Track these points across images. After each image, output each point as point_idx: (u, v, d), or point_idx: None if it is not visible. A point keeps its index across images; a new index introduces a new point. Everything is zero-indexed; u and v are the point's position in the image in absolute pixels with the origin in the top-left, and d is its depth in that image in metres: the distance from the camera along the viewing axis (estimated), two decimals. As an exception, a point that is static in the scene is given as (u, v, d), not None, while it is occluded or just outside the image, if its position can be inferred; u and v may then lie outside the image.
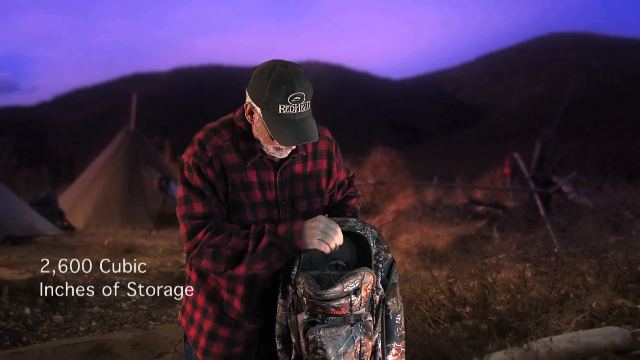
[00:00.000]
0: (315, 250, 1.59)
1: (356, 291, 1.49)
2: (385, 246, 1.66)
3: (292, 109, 1.53)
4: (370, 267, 1.58)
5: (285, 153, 1.66)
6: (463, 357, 3.15)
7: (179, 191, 1.68)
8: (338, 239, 1.56)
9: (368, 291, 1.53)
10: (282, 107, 1.53)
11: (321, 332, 1.47)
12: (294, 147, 1.65)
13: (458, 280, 4.18)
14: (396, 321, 1.62)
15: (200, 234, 1.60)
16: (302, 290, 1.53)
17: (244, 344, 1.71)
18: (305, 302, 1.53)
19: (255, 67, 1.63)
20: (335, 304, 1.49)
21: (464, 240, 7.34)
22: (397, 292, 1.65)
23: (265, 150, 1.65)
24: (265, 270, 1.59)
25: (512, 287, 4.18)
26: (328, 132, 1.81)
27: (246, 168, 1.65)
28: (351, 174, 1.94)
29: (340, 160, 1.85)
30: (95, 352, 3.55)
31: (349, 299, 1.49)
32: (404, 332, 1.65)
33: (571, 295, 3.98)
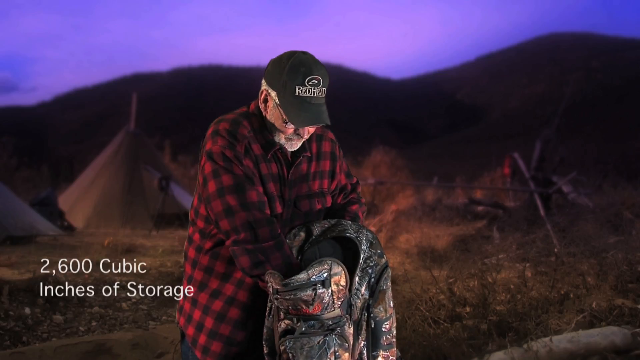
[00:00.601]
0: (307, 252, 1.59)
1: (324, 282, 1.45)
2: (380, 251, 1.62)
3: (309, 91, 1.55)
4: (354, 269, 1.55)
5: (295, 145, 1.66)
6: (463, 357, 3.15)
7: (217, 181, 1.58)
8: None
9: (340, 287, 1.48)
10: (299, 88, 1.55)
11: (291, 344, 1.44)
12: (305, 137, 1.65)
13: (458, 280, 4.18)
14: (383, 329, 1.58)
15: (261, 231, 1.55)
16: (270, 288, 1.49)
17: (242, 344, 1.70)
18: (277, 303, 1.49)
19: (272, 59, 1.66)
20: (303, 295, 1.43)
21: (464, 240, 7.34)
22: (386, 299, 1.60)
23: (278, 142, 1.65)
24: None
25: (512, 287, 4.18)
26: (331, 134, 1.82)
27: (268, 160, 1.66)
28: (355, 180, 1.93)
29: (342, 163, 1.85)
30: (95, 352, 3.55)
31: (316, 290, 1.44)
32: (394, 340, 1.60)
33: (571, 295, 3.98)
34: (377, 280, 1.59)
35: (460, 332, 3.48)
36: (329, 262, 1.46)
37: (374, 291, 1.58)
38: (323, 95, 1.58)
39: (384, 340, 1.58)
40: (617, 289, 4.12)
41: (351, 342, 1.49)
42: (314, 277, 1.44)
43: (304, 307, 1.45)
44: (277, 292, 1.47)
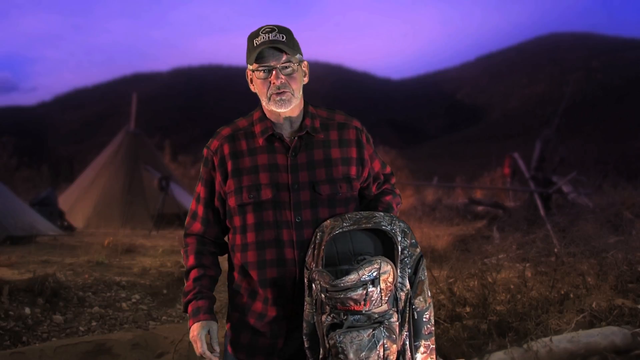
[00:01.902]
0: (342, 244, 1.60)
1: (374, 281, 1.47)
2: (414, 240, 1.63)
3: (263, 38, 1.64)
4: (396, 263, 1.57)
5: (283, 104, 1.67)
6: (463, 357, 3.15)
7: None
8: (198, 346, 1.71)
9: (388, 284, 1.50)
10: (255, 40, 1.65)
11: (341, 337, 1.47)
12: (278, 83, 1.66)
13: (458, 280, 4.18)
14: (424, 319, 1.60)
15: (188, 218, 1.85)
16: (318, 286, 1.52)
17: (270, 334, 1.72)
18: (324, 299, 1.51)
19: None
20: (353, 294, 1.46)
21: (464, 240, 7.34)
22: (425, 289, 1.62)
23: (269, 108, 1.70)
24: None
25: (512, 287, 4.18)
26: (358, 122, 1.83)
27: (257, 152, 1.73)
28: (388, 170, 1.93)
29: (373, 151, 1.86)
30: (95, 352, 3.55)
31: (366, 289, 1.47)
32: (433, 328, 1.63)
33: (571, 295, 3.98)
34: (415, 271, 1.61)
35: (460, 332, 3.48)
36: (379, 261, 1.49)
37: (413, 282, 1.60)
38: (283, 40, 1.64)
39: (425, 330, 1.60)
40: (617, 289, 4.11)
41: (397, 333, 1.52)
42: (364, 277, 1.47)
43: (353, 304, 1.48)
44: (326, 290, 1.50)
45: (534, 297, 3.92)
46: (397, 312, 1.54)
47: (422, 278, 1.62)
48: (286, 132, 1.73)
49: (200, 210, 1.81)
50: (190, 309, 1.74)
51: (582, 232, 5.63)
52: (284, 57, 1.65)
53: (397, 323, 1.53)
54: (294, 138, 1.71)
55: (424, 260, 1.65)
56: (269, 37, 1.64)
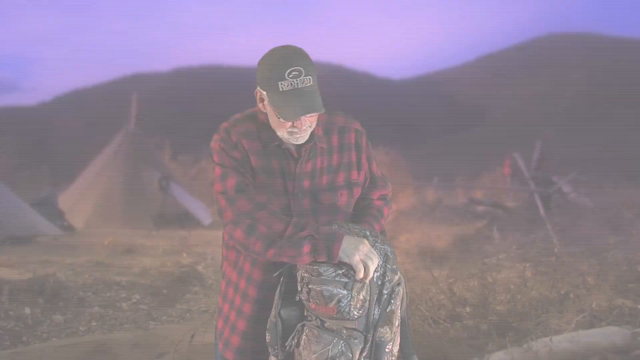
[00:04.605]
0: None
1: (346, 285, 1.48)
2: (394, 266, 1.59)
3: (291, 84, 1.56)
4: (371, 285, 1.55)
5: (301, 138, 1.65)
6: (463, 357, 3.15)
7: (214, 172, 1.70)
8: (374, 267, 1.52)
9: (360, 299, 1.49)
10: (281, 84, 1.56)
11: (305, 332, 1.53)
12: (305, 128, 1.63)
13: (458, 280, 4.18)
14: (386, 349, 1.55)
15: (239, 204, 1.61)
16: (302, 273, 1.55)
17: (259, 338, 1.71)
18: (302, 290, 1.54)
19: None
20: (326, 289, 1.48)
21: (464, 240, 7.35)
22: (393, 319, 1.56)
23: (282, 137, 1.66)
24: (289, 261, 1.57)
25: (512, 287, 4.18)
26: (357, 124, 1.81)
27: (269, 155, 1.68)
28: (379, 173, 1.90)
29: (371, 154, 1.84)
30: (95, 352, 3.55)
31: (339, 291, 1.48)
32: (394, 359, 1.58)
33: (571, 295, 3.98)
34: (389, 299, 1.57)
35: (460, 332, 3.48)
36: (354, 277, 1.51)
37: (383, 310, 1.56)
38: (309, 84, 1.57)
39: None
40: (617, 289, 4.12)
41: (356, 357, 1.51)
42: (339, 277, 1.50)
43: (322, 303, 1.49)
44: (307, 279, 1.52)
45: (534, 297, 3.92)
46: (363, 334, 1.52)
47: (393, 308, 1.57)
48: (292, 144, 1.69)
49: (241, 194, 1.64)
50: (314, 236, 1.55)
51: (582, 232, 5.64)
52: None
53: (360, 347, 1.51)
54: (303, 148, 1.68)
55: (400, 289, 1.59)
56: (297, 84, 1.56)
